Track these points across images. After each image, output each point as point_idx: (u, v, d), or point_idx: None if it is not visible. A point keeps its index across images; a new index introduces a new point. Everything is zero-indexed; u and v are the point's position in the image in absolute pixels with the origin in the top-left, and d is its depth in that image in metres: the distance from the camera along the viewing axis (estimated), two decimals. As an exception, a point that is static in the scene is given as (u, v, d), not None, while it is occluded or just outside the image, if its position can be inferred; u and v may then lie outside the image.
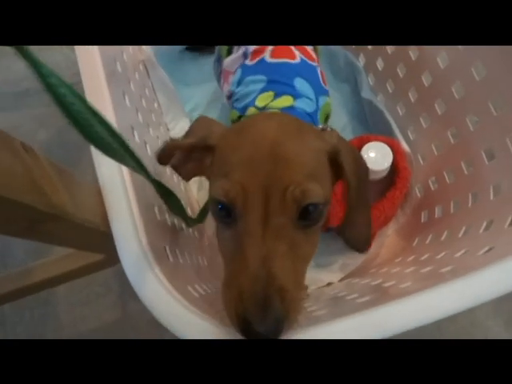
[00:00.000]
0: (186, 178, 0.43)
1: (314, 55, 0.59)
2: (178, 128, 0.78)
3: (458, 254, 0.47)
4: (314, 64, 0.57)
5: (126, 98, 0.52)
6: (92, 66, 0.45)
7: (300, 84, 0.52)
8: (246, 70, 0.56)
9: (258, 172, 0.32)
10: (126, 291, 0.74)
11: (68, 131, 0.89)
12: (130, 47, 0.68)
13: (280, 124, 0.37)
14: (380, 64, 0.76)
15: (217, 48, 0.70)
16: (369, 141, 0.62)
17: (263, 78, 0.53)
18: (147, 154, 0.54)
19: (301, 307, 0.32)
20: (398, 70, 0.70)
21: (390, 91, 0.74)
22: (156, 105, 0.75)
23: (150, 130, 0.61)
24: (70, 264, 0.56)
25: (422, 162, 0.69)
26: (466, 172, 0.57)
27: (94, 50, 0.47)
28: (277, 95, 0.51)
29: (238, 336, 0.31)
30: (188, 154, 0.41)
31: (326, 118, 0.57)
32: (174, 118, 0.79)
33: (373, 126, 0.80)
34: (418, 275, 0.48)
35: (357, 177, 0.39)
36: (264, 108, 0.51)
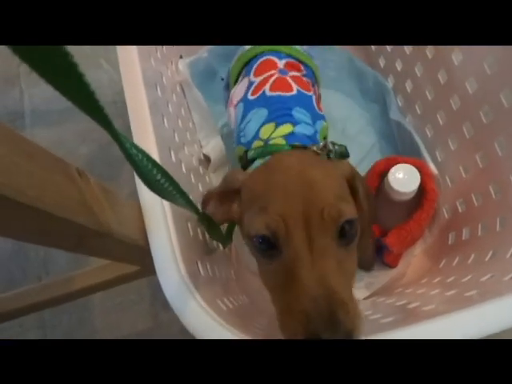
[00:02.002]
0: (220, 222, 0.47)
1: (310, 86, 0.62)
2: (211, 145, 0.81)
3: (484, 278, 0.47)
4: (310, 93, 0.60)
5: (165, 120, 0.56)
6: (136, 94, 0.48)
7: (297, 112, 0.55)
8: (248, 105, 0.59)
9: (293, 201, 0.35)
10: (158, 300, 0.77)
11: (109, 146, 0.94)
12: (169, 70, 0.72)
13: (300, 157, 0.42)
14: (409, 86, 0.77)
15: (225, 76, 0.74)
16: (396, 162, 0.62)
17: (265, 111, 0.56)
18: (182, 172, 0.57)
19: (361, 318, 0.33)
20: (427, 92, 0.71)
21: (419, 113, 0.75)
22: (191, 124, 0.78)
23: (185, 148, 0.65)
24: (108, 274, 0.60)
25: (449, 183, 0.69)
26: (493, 196, 0.58)
27: (137, 77, 0.51)
28: (278, 125, 0.54)
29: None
30: (219, 201, 0.45)
31: (324, 139, 0.59)
32: (206, 136, 0.82)
33: (401, 146, 0.80)
34: (443, 297, 0.49)
35: (367, 201, 0.42)
36: (268, 139, 0.54)
